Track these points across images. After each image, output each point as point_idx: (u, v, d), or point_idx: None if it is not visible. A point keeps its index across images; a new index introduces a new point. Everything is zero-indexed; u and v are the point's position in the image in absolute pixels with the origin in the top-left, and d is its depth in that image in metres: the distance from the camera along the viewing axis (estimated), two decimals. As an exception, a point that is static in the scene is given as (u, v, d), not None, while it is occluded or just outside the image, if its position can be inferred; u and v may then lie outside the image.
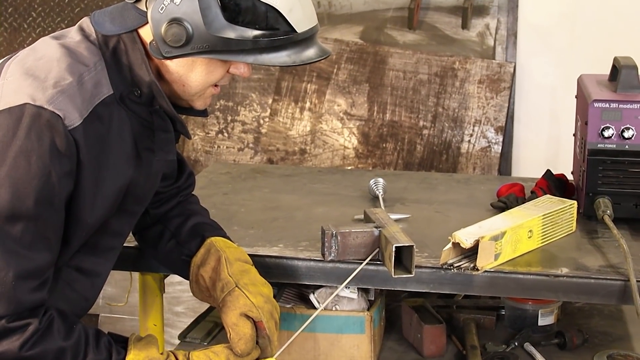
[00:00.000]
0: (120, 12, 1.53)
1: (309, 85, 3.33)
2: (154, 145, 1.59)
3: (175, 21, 1.44)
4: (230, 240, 1.79)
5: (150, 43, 1.49)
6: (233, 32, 1.44)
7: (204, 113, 1.66)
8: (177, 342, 2.20)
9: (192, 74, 1.53)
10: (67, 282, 1.60)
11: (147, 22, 1.48)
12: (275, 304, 1.68)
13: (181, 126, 1.60)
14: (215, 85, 1.58)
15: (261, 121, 3.37)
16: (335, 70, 3.31)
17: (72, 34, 1.56)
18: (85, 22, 1.57)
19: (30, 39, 3.47)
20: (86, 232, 1.55)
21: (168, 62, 1.52)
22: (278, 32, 1.47)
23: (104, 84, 1.51)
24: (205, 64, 1.52)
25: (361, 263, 1.82)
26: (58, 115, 1.43)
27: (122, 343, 1.58)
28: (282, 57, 1.48)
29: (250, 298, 1.62)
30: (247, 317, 1.62)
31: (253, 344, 1.62)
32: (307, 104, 3.33)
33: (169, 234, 1.80)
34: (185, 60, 1.51)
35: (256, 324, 1.63)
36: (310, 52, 1.51)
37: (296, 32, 1.48)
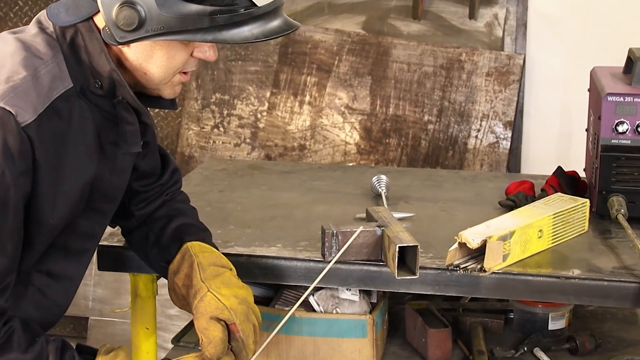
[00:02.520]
0: (74, 1, 1.50)
1: (308, 77, 3.34)
2: (118, 138, 1.56)
3: (125, 3, 1.41)
4: (211, 244, 1.75)
5: (102, 29, 1.46)
6: (188, 10, 1.41)
7: (173, 105, 1.63)
8: (171, 346, 2.18)
9: (152, 60, 1.49)
10: (37, 287, 1.58)
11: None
12: (254, 307, 1.64)
13: (146, 117, 1.58)
14: (184, 73, 1.55)
15: (259, 115, 3.38)
16: (336, 62, 3.33)
17: (30, 28, 1.54)
18: (43, 15, 1.55)
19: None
20: (50, 234, 1.53)
21: (126, 50, 1.49)
22: (237, 7, 1.43)
23: (63, 78, 1.48)
24: (164, 49, 1.48)
25: (362, 263, 1.80)
26: (10, 112, 1.40)
27: (90, 355, 1.55)
28: (243, 33, 1.44)
29: (222, 301, 1.59)
30: (219, 320, 1.58)
31: (223, 347, 1.57)
32: (307, 98, 3.34)
33: (154, 236, 1.77)
34: (143, 46, 1.47)
35: (230, 327, 1.59)
36: (274, 26, 1.46)
37: (256, 5, 1.44)
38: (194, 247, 1.70)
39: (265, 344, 1.70)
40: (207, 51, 1.51)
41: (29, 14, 3.51)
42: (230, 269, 1.69)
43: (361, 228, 1.79)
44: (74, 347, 1.54)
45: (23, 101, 1.41)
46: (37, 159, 1.43)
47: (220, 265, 1.67)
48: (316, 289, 1.96)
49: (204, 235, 1.76)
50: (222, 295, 1.59)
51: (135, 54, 1.48)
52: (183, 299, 1.68)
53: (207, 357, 1.56)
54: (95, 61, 1.48)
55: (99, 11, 1.45)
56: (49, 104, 1.45)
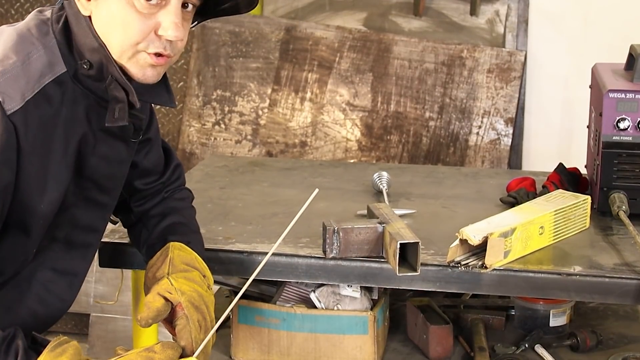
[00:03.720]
0: None
1: (309, 74, 3.33)
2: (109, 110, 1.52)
3: None
4: (196, 247, 1.72)
5: None
6: None
7: (171, 103, 1.60)
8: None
9: (111, 29, 1.45)
10: (41, 283, 1.57)
11: None
12: (210, 308, 1.59)
13: (132, 96, 1.51)
14: (157, 56, 1.48)
15: (260, 112, 3.36)
16: (337, 59, 3.31)
17: (27, 17, 1.53)
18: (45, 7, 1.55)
19: (18, 25, 3.50)
20: (44, 220, 1.51)
21: (95, 22, 1.46)
22: None
23: (56, 62, 1.47)
24: (120, 15, 1.44)
25: (363, 260, 1.79)
26: None
27: (43, 347, 1.49)
28: None
29: (174, 284, 1.56)
30: (165, 298, 1.55)
31: (155, 316, 1.53)
32: (308, 94, 3.33)
33: (146, 234, 1.76)
34: (105, 13, 1.44)
35: (175, 308, 1.55)
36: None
37: None
38: (175, 246, 1.67)
39: (208, 337, 1.58)
40: (167, 29, 1.45)
41: (29, 10, 3.49)
42: (204, 276, 1.66)
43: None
44: (29, 338, 1.50)
45: (11, 87, 1.40)
46: (21, 146, 1.41)
47: (192, 266, 1.64)
48: (317, 286, 1.96)
49: (191, 238, 1.73)
50: (176, 280, 1.57)
51: (99, 22, 1.46)
52: None
53: (137, 320, 1.53)
54: (82, 40, 1.47)
55: None
56: (39, 89, 1.43)
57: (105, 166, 1.60)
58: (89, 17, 1.46)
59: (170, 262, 1.63)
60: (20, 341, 1.45)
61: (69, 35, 1.48)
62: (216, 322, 1.55)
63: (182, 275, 1.61)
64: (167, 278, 1.58)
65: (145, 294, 1.67)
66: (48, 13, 1.51)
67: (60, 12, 1.49)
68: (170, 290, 1.55)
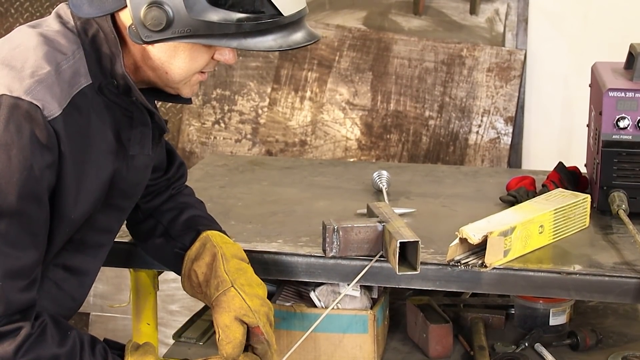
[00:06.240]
0: None
1: (309, 73, 3.33)
2: (132, 139, 1.57)
3: (154, 4, 1.41)
4: (227, 235, 1.77)
5: (129, 27, 1.45)
6: (216, 15, 1.41)
7: (188, 100, 1.64)
8: (172, 342, 2.18)
9: (174, 61, 1.49)
10: (53, 281, 1.58)
11: (126, 5, 1.44)
12: (270, 305, 1.66)
13: (158, 119, 1.58)
14: (202, 72, 1.55)
15: (259, 111, 3.36)
16: (337, 58, 3.31)
17: (49, 22, 1.53)
18: (62, 8, 1.54)
19: (17, 24, 3.50)
20: (70, 229, 1.53)
21: (150, 48, 1.49)
22: (263, 16, 1.44)
23: (82, 74, 1.48)
24: (188, 50, 1.48)
25: (363, 259, 1.79)
26: (37, 105, 1.40)
27: (118, 350, 1.56)
28: (267, 42, 1.45)
29: (246, 301, 1.61)
30: (242, 322, 1.61)
31: (241, 349, 1.60)
32: (308, 93, 3.32)
33: (162, 228, 1.78)
34: (167, 46, 1.48)
35: (252, 329, 1.61)
36: (297, 37, 1.48)
37: (282, 15, 1.45)
38: (215, 236, 1.71)
39: (294, 347, 1.74)
40: (227, 54, 1.52)
41: (29, 9, 3.50)
42: (248, 262, 1.71)
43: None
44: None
45: (48, 95, 1.41)
46: (62, 152, 1.43)
47: (240, 257, 1.70)
48: (317, 285, 1.95)
49: (217, 227, 1.78)
50: (246, 294, 1.62)
51: (159, 53, 1.48)
52: (198, 287, 1.69)
53: (222, 355, 1.58)
54: (111, 63, 1.49)
55: (123, 7, 1.44)
56: (70, 99, 1.44)
57: (134, 176, 1.62)
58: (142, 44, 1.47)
59: (223, 258, 1.67)
60: (102, 344, 1.51)
61: (98, 49, 1.49)
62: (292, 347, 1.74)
63: (243, 278, 1.65)
64: (234, 287, 1.62)
65: (186, 287, 1.72)
66: (70, 20, 1.51)
67: (85, 23, 1.49)
68: (246, 311, 1.60)
